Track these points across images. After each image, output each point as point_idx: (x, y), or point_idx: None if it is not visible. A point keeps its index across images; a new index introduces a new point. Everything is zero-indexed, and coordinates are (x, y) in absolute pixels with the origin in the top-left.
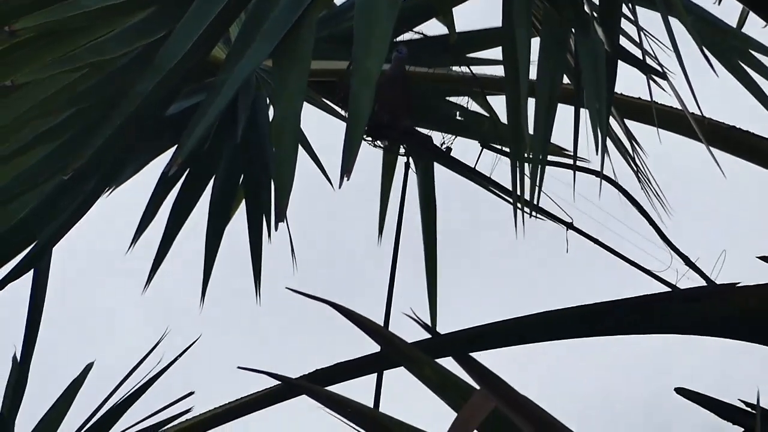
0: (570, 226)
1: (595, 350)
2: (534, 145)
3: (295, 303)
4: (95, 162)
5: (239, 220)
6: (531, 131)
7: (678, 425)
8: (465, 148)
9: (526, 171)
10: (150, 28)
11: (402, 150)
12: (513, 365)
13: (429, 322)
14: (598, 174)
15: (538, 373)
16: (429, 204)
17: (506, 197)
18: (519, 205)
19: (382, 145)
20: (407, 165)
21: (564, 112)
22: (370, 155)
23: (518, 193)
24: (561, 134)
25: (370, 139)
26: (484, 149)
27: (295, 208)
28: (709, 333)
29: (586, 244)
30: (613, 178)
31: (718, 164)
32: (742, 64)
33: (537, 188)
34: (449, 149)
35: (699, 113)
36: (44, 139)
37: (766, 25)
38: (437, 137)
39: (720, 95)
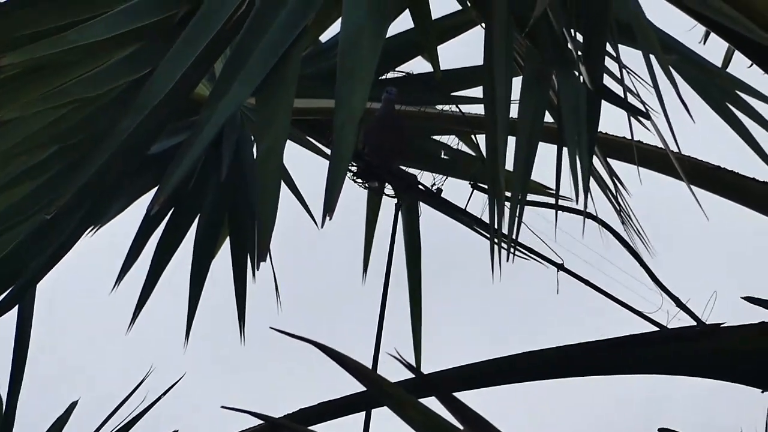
0: (561, 267)
1: (581, 388)
2: (514, 183)
3: (279, 341)
4: (80, 199)
5: (224, 257)
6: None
7: None
8: (454, 187)
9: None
10: (135, 64)
11: (391, 190)
12: (499, 404)
13: (413, 362)
14: (582, 213)
15: (524, 411)
16: (414, 243)
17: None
18: (502, 244)
19: (371, 187)
20: (398, 206)
21: (548, 150)
22: (355, 192)
23: (496, 231)
24: (545, 172)
25: (360, 181)
26: (473, 189)
27: (279, 244)
28: (693, 373)
29: (575, 284)
30: (599, 217)
31: (699, 205)
32: (729, 105)
33: (516, 226)
34: (440, 190)
35: (686, 153)
36: (29, 176)
37: (751, 65)
38: (428, 177)
39: (710, 132)
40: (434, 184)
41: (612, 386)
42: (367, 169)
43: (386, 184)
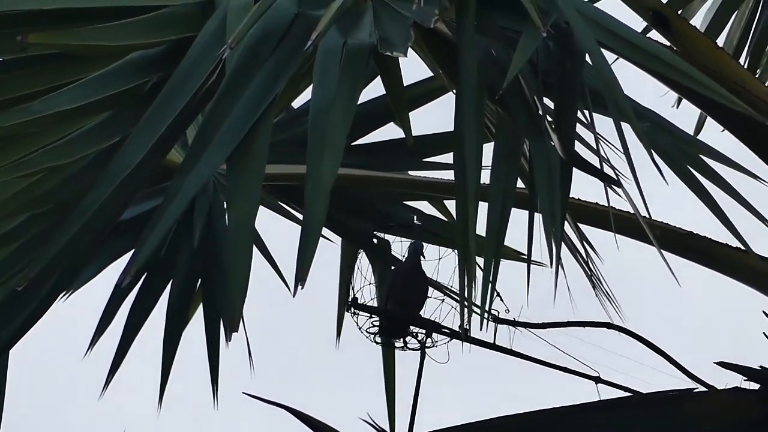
0: (598, 380)
1: None
2: (486, 249)
3: (252, 406)
4: (51, 267)
5: (198, 321)
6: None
7: None
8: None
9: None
10: (104, 133)
11: (414, 343)
12: None
13: (387, 428)
14: (606, 325)
15: None
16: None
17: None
18: (475, 310)
19: (392, 345)
20: (422, 354)
21: (519, 215)
22: (329, 253)
23: (466, 296)
24: (516, 238)
25: (381, 341)
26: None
27: (254, 308)
28: None
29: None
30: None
31: (671, 270)
32: (694, 172)
33: (489, 291)
34: (466, 330)
35: (658, 220)
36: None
37: (723, 130)
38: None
39: (686, 197)
40: (462, 325)
41: None
42: (389, 325)
43: (408, 336)
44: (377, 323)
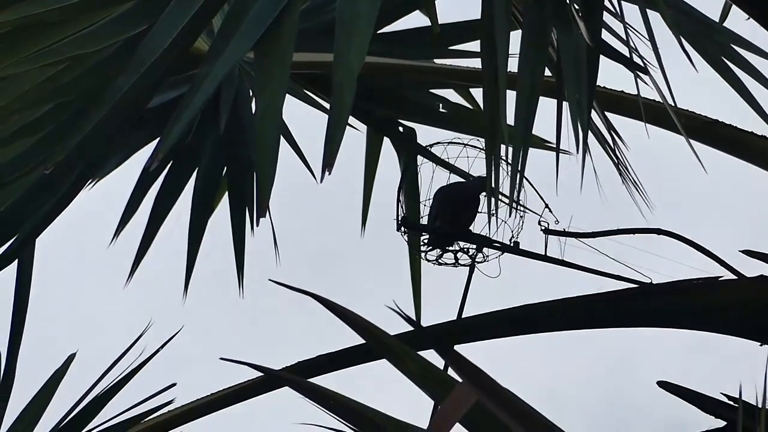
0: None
1: (564, 346)
2: (514, 137)
3: (278, 295)
4: (77, 155)
5: (222, 212)
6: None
7: (639, 422)
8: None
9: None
10: (131, 21)
11: (465, 258)
12: (498, 357)
13: (413, 315)
14: (654, 230)
15: (522, 364)
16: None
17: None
18: (511, 201)
19: (449, 263)
20: (472, 267)
21: (546, 104)
22: (354, 146)
23: (494, 184)
24: (542, 126)
25: (434, 258)
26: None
27: (279, 199)
28: (692, 326)
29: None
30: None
31: (698, 158)
32: (724, 59)
33: (519, 178)
34: (517, 243)
35: (684, 108)
36: (26, 133)
37: (748, 18)
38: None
39: (709, 87)
40: (512, 237)
41: (595, 342)
42: (440, 241)
43: (458, 249)
44: (427, 240)
